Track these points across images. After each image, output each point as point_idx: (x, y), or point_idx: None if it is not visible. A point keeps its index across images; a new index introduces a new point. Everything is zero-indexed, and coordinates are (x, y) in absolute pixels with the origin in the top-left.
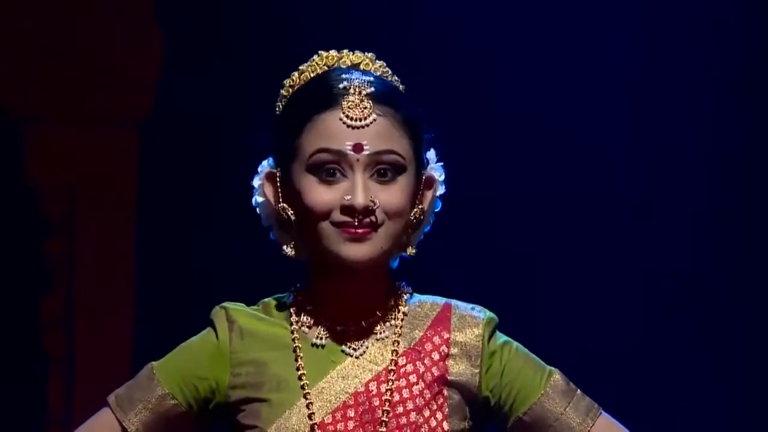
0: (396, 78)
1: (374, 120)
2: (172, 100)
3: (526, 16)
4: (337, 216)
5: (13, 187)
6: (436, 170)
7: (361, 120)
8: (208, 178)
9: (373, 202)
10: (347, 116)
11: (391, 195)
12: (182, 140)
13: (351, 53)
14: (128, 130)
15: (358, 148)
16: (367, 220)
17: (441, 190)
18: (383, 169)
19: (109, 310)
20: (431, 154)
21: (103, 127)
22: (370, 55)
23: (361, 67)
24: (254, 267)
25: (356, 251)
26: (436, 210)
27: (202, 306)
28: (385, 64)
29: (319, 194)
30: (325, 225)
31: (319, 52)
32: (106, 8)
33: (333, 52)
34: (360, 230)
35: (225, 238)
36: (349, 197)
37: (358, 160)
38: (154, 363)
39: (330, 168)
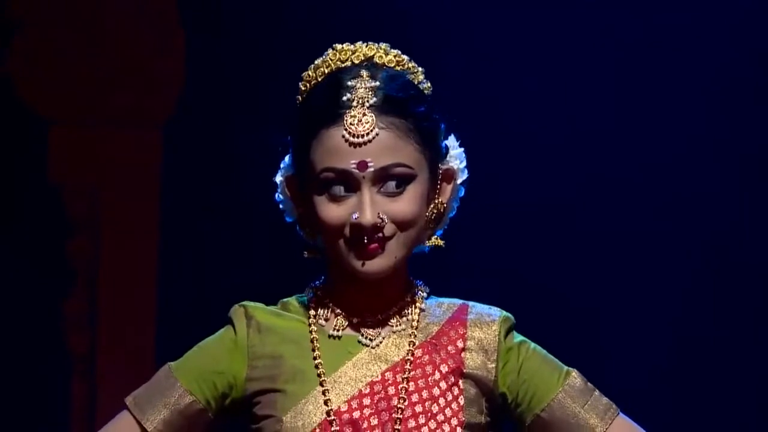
0: (412, 65)
1: (377, 134)
2: (195, 100)
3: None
4: (348, 232)
5: (38, 188)
6: (456, 158)
7: (363, 136)
8: (231, 179)
9: (382, 219)
10: (350, 133)
11: (401, 207)
12: (205, 140)
13: (365, 45)
14: (152, 130)
15: (362, 166)
16: (378, 235)
17: (463, 176)
18: (391, 182)
19: (132, 310)
20: (451, 141)
21: (127, 128)
22: (384, 46)
23: (375, 59)
24: (277, 266)
25: (369, 267)
26: (461, 195)
27: (225, 306)
28: (399, 52)
29: (330, 212)
30: (339, 241)
31: (334, 45)
32: (129, 9)
33: (347, 45)
34: (370, 247)
35: (248, 238)
36: (356, 215)
37: (363, 177)
38: (171, 363)
39: (337, 186)
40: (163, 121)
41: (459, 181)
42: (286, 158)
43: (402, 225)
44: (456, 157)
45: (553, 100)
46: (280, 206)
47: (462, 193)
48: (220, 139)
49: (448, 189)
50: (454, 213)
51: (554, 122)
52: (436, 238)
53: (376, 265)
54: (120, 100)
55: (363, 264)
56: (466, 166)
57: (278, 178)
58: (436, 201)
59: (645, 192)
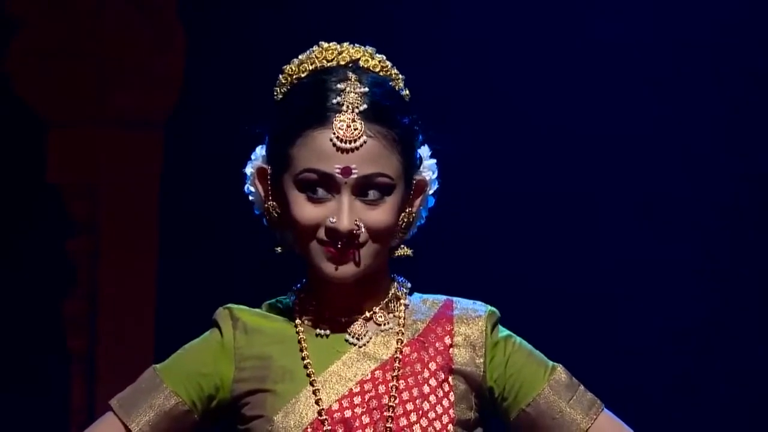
0: (395, 72)
1: (365, 142)
2: (195, 100)
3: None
4: (322, 234)
5: (37, 187)
6: (428, 169)
7: (351, 142)
8: (231, 178)
9: (358, 225)
10: (338, 137)
11: (378, 216)
12: (205, 140)
13: (351, 47)
14: (151, 129)
15: (346, 172)
16: (354, 242)
17: (433, 188)
18: (371, 191)
19: (132, 310)
20: (424, 151)
21: (127, 128)
22: (370, 49)
23: (360, 62)
24: (278, 266)
25: (340, 271)
26: (429, 206)
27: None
28: (384, 57)
29: (306, 211)
30: (311, 242)
31: (320, 43)
32: (129, 9)
33: (333, 45)
34: (343, 252)
35: (248, 238)
36: (333, 220)
37: (345, 182)
38: (156, 365)
39: (317, 187)
40: (163, 121)
41: (430, 192)
42: (257, 149)
43: (376, 234)
44: (428, 167)
45: (540, 98)
46: (249, 198)
47: (432, 203)
48: (220, 139)
49: (418, 199)
50: (423, 222)
51: (544, 121)
52: (404, 248)
53: (346, 270)
54: (120, 100)
55: (336, 268)
56: (437, 177)
57: (248, 170)
58: (407, 210)
59: (644, 192)
